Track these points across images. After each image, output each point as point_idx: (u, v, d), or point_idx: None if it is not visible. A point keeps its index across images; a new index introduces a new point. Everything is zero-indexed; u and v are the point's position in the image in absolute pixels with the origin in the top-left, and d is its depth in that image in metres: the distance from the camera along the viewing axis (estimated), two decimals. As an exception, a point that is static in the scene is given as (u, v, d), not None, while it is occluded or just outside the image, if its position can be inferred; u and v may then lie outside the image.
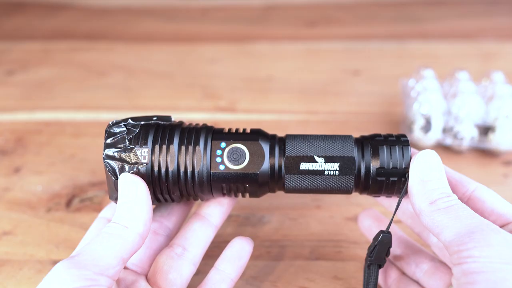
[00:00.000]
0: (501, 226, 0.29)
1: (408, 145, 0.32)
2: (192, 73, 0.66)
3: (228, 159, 0.32)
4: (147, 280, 0.33)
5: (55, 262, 0.39)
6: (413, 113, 0.51)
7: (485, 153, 0.51)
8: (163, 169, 0.32)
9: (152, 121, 0.33)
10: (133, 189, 0.30)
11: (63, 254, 0.40)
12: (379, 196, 0.34)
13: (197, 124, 0.35)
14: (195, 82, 0.64)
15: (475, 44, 0.72)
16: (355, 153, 0.32)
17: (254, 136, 0.33)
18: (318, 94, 0.61)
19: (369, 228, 0.38)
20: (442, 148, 0.51)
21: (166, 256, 0.33)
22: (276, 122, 0.56)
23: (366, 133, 0.54)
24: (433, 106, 0.50)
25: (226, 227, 0.43)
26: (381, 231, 0.33)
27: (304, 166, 0.32)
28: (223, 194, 0.34)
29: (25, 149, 0.53)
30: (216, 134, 0.33)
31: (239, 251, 0.34)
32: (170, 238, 0.36)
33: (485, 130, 0.50)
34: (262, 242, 0.42)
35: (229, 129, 0.34)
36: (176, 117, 0.57)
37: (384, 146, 0.32)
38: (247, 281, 0.38)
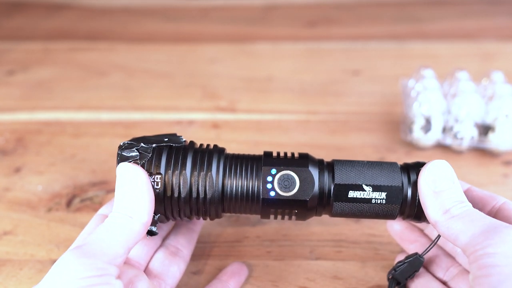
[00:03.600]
0: None
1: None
2: (192, 73, 0.67)
3: (279, 186, 0.32)
4: (146, 275, 0.34)
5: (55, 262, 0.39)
6: (413, 113, 0.51)
7: (485, 153, 0.51)
8: (175, 194, 0.32)
9: (164, 143, 0.33)
10: (134, 179, 0.31)
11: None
12: (421, 222, 0.34)
13: (208, 146, 0.35)
14: (195, 82, 0.64)
15: (475, 44, 0.72)
16: (402, 182, 0.33)
17: (303, 162, 0.33)
18: (318, 94, 0.61)
19: (401, 231, 0.38)
20: (442, 148, 0.51)
21: (164, 253, 0.36)
22: (276, 122, 0.56)
23: (367, 133, 0.54)
24: (433, 106, 0.50)
25: (226, 226, 0.43)
26: (417, 253, 0.34)
27: (352, 194, 0.32)
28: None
29: (25, 149, 0.53)
30: (266, 159, 0.33)
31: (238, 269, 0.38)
32: (163, 238, 0.38)
33: (485, 130, 0.50)
34: (262, 242, 0.42)
35: (278, 154, 0.34)
36: (176, 117, 0.57)
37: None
38: (247, 281, 0.38)
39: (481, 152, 0.51)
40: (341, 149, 0.52)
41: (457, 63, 0.64)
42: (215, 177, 0.32)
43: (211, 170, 0.32)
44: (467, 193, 0.35)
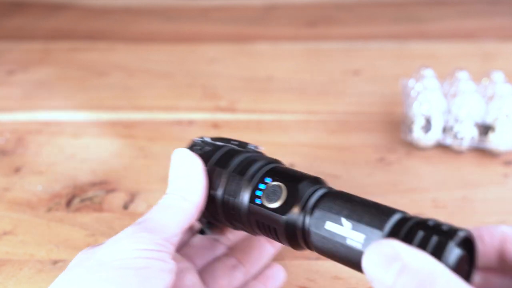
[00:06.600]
0: None
1: (450, 240, 0.23)
2: (192, 73, 0.67)
3: (265, 195, 0.30)
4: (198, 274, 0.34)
5: (55, 262, 0.39)
6: (413, 113, 0.51)
7: (485, 153, 0.51)
8: (212, 192, 0.32)
9: (229, 144, 0.33)
10: (189, 163, 0.31)
11: (63, 253, 0.40)
12: None
13: (268, 159, 0.33)
14: (195, 82, 0.64)
15: (475, 44, 0.72)
16: (386, 228, 0.25)
17: (302, 179, 0.30)
18: (318, 94, 0.61)
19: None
20: (442, 148, 0.51)
21: (222, 263, 0.34)
22: (276, 122, 0.56)
23: (367, 133, 0.54)
24: (433, 106, 0.50)
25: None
26: None
27: (329, 226, 0.27)
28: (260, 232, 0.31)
29: (25, 149, 0.53)
30: (270, 170, 0.31)
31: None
32: (227, 247, 0.36)
33: (485, 130, 0.50)
34: (262, 242, 0.41)
35: (287, 168, 0.32)
36: (176, 117, 0.57)
37: (422, 232, 0.24)
38: (247, 281, 0.38)
39: (481, 152, 0.51)
40: (341, 149, 0.52)
41: (457, 63, 0.64)
42: (244, 185, 0.31)
43: (243, 176, 0.31)
44: None
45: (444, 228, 0.24)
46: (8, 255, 0.40)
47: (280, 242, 0.31)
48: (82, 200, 0.46)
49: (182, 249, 0.34)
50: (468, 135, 0.49)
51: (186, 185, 0.30)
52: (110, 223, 0.43)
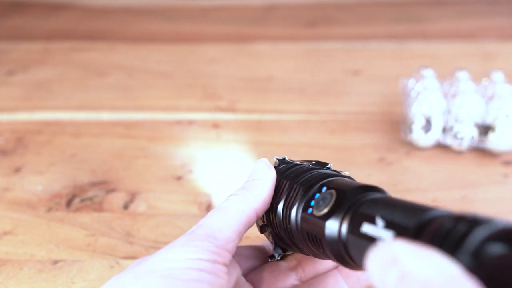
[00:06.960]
0: None
1: (474, 230, 0.18)
2: (192, 73, 0.67)
3: (316, 203, 0.28)
4: None
5: (55, 262, 0.39)
6: (413, 113, 0.51)
7: (485, 153, 0.51)
8: (274, 206, 0.31)
9: (305, 163, 0.33)
10: (260, 169, 0.31)
11: (63, 253, 0.40)
12: None
13: (337, 173, 0.31)
14: (195, 82, 0.64)
15: (475, 44, 0.72)
16: (415, 224, 0.21)
17: (354, 187, 0.28)
18: (318, 94, 0.61)
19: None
20: (442, 148, 0.51)
21: None
22: (276, 122, 0.56)
23: (367, 133, 0.54)
24: (433, 106, 0.50)
25: (226, 227, 0.43)
26: None
27: (365, 228, 0.24)
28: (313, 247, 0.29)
29: (25, 149, 0.53)
30: (327, 182, 0.29)
31: None
32: (299, 280, 0.34)
33: (485, 130, 0.50)
34: (262, 242, 0.41)
35: (351, 180, 0.30)
36: (176, 117, 0.57)
37: (449, 225, 0.19)
38: (247, 281, 0.38)
39: (481, 152, 0.51)
40: (341, 149, 0.52)
41: (457, 63, 0.64)
42: (301, 195, 0.29)
43: (303, 186, 0.30)
44: None
45: (480, 219, 0.18)
46: (8, 255, 0.40)
47: (328, 257, 0.28)
48: (82, 200, 0.46)
49: (249, 274, 0.33)
50: (468, 135, 0.49)
51: (249, 188, 0.30)
52: (110, 223, 0.43)
